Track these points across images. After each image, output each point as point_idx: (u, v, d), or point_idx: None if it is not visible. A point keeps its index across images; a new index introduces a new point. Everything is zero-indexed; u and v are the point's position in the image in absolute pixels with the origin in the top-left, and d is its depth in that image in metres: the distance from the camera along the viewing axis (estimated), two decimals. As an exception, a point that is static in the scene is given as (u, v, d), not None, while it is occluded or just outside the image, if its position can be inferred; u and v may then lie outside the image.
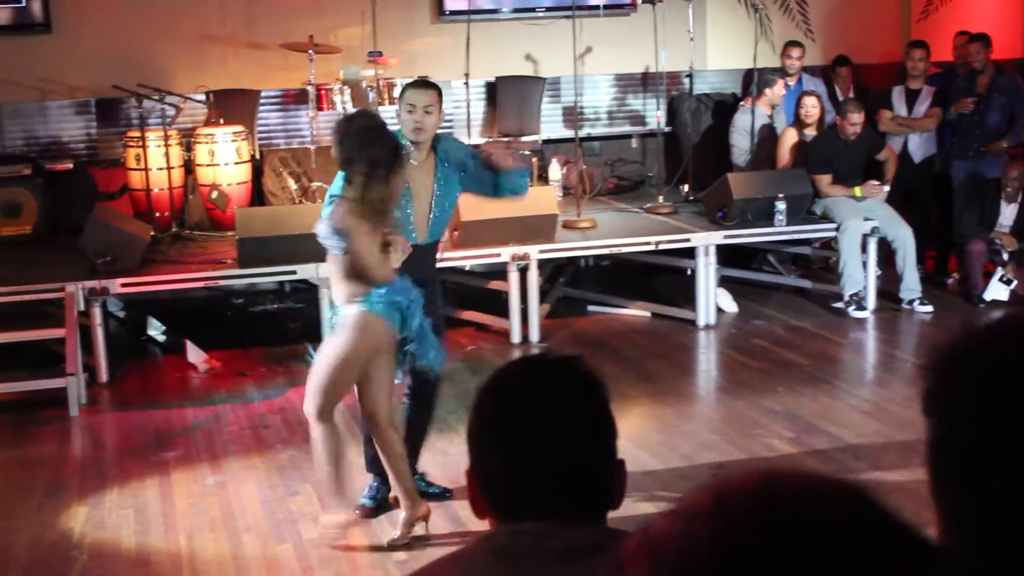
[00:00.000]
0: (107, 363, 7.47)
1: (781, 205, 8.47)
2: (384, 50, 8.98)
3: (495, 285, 8.37)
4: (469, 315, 8.42)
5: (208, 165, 8.67)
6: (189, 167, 8.84)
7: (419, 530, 5.11)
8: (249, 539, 5.21)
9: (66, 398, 6.92)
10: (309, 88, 8.86)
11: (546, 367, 1.77)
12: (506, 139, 9.88)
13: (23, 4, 9.15)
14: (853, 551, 0.83)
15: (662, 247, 8.44)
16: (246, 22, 9.56)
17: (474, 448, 1.73)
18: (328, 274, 5.23)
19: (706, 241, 8.35)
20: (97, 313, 7.36)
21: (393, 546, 5.06)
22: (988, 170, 9.07)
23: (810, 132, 9.15)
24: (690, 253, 8.42)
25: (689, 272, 8.62)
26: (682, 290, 8.74)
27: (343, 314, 4.89)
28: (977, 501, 1.09)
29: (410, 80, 6.13)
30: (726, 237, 8.49)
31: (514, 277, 7.99)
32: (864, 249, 8.59)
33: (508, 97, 10.15)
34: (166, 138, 8.57)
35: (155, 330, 8.61)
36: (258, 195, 9.03)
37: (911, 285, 8.59)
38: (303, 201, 8.58)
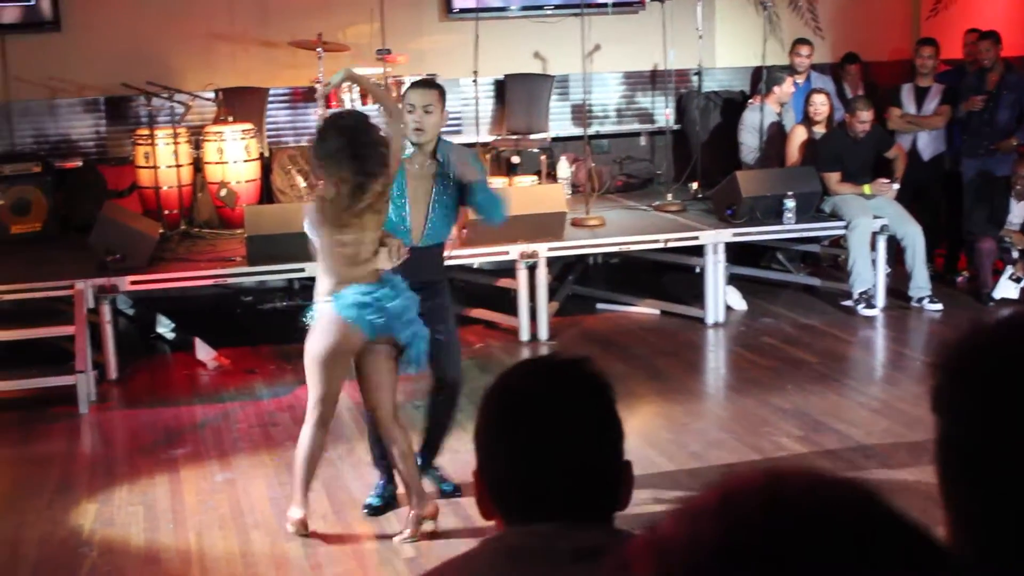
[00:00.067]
0: (116, 360, 7.49)
1: (790, 203, 8.46)
2: (393, 48, 8.99)
3: (504, 283, 8.37)
4: (478, 313, 8.42)
5: (217, 163, 8.68)
6: (198, 165, 8.86)
7: (428, 527, 5.12)
8: (258, 536, 5.21)
9: (75, 395, 6.94)
10: (318, 86, 8.87)
11: (553, 368, 1.77)
12: (514, 136, 9.89)
13: (33, 2, 9.16)
14: (859, 551, 0.83)
15: (671, 245, 8.43)
16: (255, 20, 9.57)
17: (481, 449, 1.73)
18: None
19: (715, 239, 8.35)
20: (106, 310, 7.37)
21: (402, 543, 5.06)
22: (998, 168, 9.05)
23: (819, 130, 9.14)
24: (699, 251, 8.41)
25: (698, 270, 8.62)
26: (691, 288, 8.73)
27: (314, 311, 4.92)
28: (985, 500, 1.08)
29: (417, 78, 6.14)
30: (735, 235, 8.48)
31: (523, 275, 7.99)
32: (873, 247, 8.57)
33: (517, 95, 10.15)
34: (175, 136, 8.59)
35: (164, 327, 8.62)
36: (267, 193, 9.04)
37: (920, 283, 8.57)
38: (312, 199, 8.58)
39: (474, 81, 9.33)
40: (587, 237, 8.43)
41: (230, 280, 7.94)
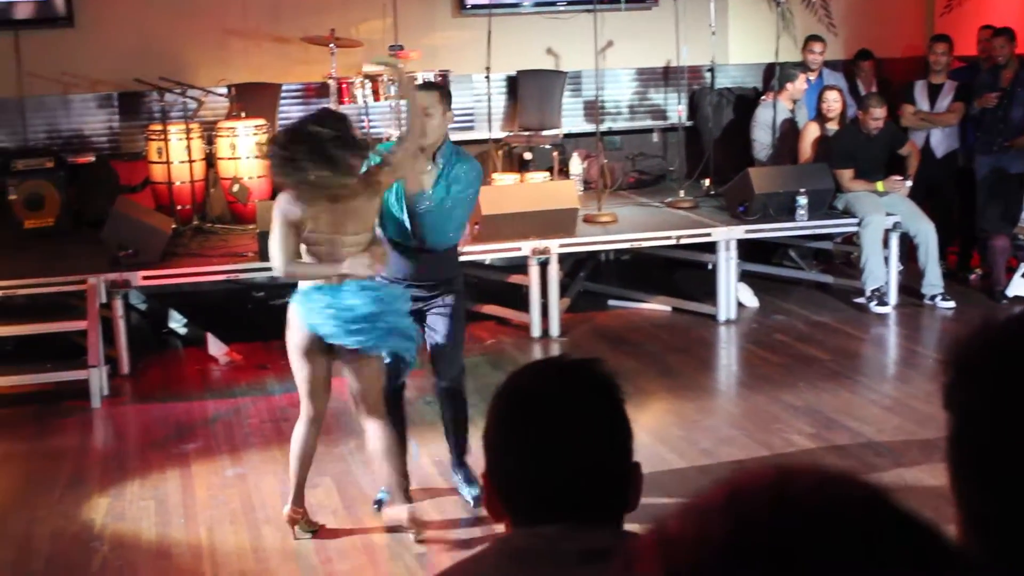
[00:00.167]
0: (129, 355, 7.50)
1: (802, 200, 8.44)
2: (405, 44, 8.99)
3: (515, 279, 8.37)
4: (489, 309, 8.42)
5: (229, 158, 8.69)
6: (211, 160, 8.87)
7: (419, 535, 5.08)
8: (269, 531, 5.22)
9: (88, 390, 6.96)
10: (330, 82, 8.88)
11: (562, 369, 1.77)
12: (527, 133, 9.88)
13: (46, -2, 9.19)
14: (867, 549, 0.82)
15: (683, 241, 8.42)
16: (268, 15, 9.58)
17: (490, 451, 1.73)
18: None
19: (727, 236, 8.33)
20: (119, 305, 7.39)
21: (416, 540, 5.06)
22: (1011, 165, 9.01)
23: (832, 126, 9.11)
24: (711, 248, 8.40)
25: (710, 267, 8.60)
26: (703, 285, 8.72)
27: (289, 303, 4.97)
28: (997, 499, 1.08)
29: (429, 74, 6.11)
30: (747, 232, 8.47)
31: (534, 271, 7.98)
32: (886, 244, 8.55)
33: (529, 91, 10.14)
34: (188, 131, 8.61)
35: (176, 323, 8.64)
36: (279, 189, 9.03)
37: (933, 281, 8.54)
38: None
39: (486, 77, 9.32)
40: (599, 233, 8.43)
41: (242, 275, 7.96)
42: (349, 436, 6.16)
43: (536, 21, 10.17)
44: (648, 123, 10.69)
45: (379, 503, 5.39)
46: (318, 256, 4.81)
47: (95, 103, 9.43)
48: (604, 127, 9.89)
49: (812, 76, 9.72)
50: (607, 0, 9.88)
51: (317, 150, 4.61)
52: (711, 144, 9.88)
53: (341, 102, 8.85)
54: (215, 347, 7.88)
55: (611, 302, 8.96)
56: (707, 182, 9.63)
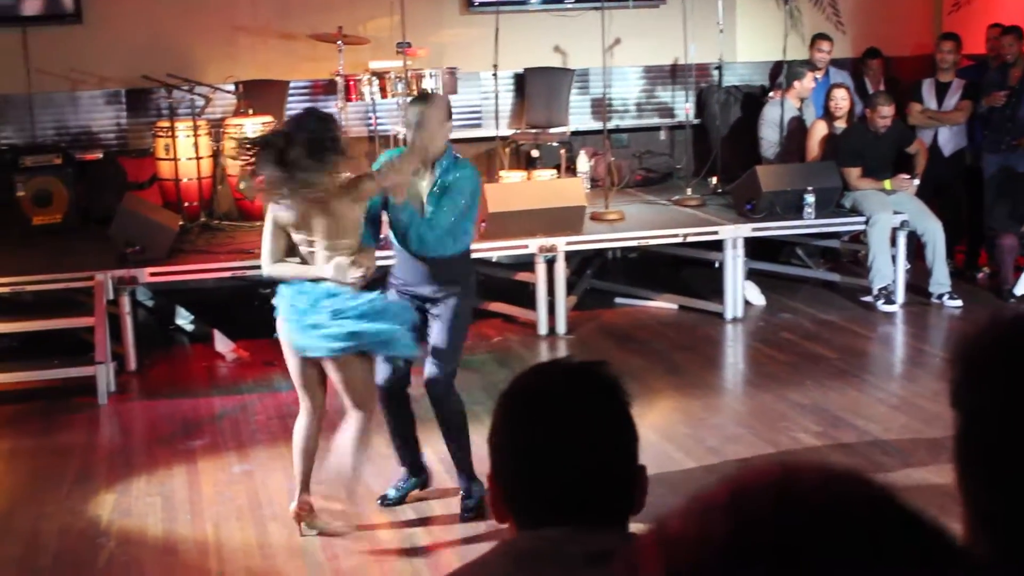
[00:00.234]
0: (136, 352, 7.52)
1: (810, 198, 8.43)
2: (413, 41, 8.98)
3: (522, 277, 8.36)
4: (496, 306, 8.42)
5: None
6: (218, 157, 8.88)
7: (341, 528, 5.09)
8: (275, 528, 5.23)
9: (95, 386, 6.97)
10: (338, 79, 8.88)
11: (568, 372, 1.76)
12: (534, 130, 9.88)
13: (54, -6, 9.21)
14: (872, 547, 0.82)
15: (690, 239, 8.42)
16: (276, 12, 9.59)
17: (495, 452, 1.73)
18: None
19: (734, 234, 8.33)
20: (126, 302, 7.40)
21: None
22: (1019, 163, 8.99)
23: (840, 125, 9.10)
24: (718, 246, 8.39)
25: (717, 265, 8.60)
26: (710, 283, 8.71)
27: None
28: (1004, 496, 1.08)
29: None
30: (754, 230, 8.46)
31: (541, 269, 7.98)
32: (893, 243, 8.54)
33: (537, 88, 10.14)
34: (195, 128, 8.62)
35: (183, 319, 8.65)
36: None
37: (941, 279, 8.53)
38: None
39: (494, 75, 9.32)
40: (606, 231, 8.42)
41: (249, 272, 7.95)
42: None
43: (544, 18, 10.17)
44: (655, 121, 10.69)
45: (384, 498, 5.40)
46: (303, 259, 4.85)
47: (103, 100, 9.44)
48: (611, 125, 9.88)
49: (819, 74, 9.71)
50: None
51: (287, 151, 4.62)
52: (718, 142, 9.87)
53: (348, 99, 8.86)
54: (222, 344, 7.89)
55: (618, 300, 8.96)
56: (714, 180, 9.62)
